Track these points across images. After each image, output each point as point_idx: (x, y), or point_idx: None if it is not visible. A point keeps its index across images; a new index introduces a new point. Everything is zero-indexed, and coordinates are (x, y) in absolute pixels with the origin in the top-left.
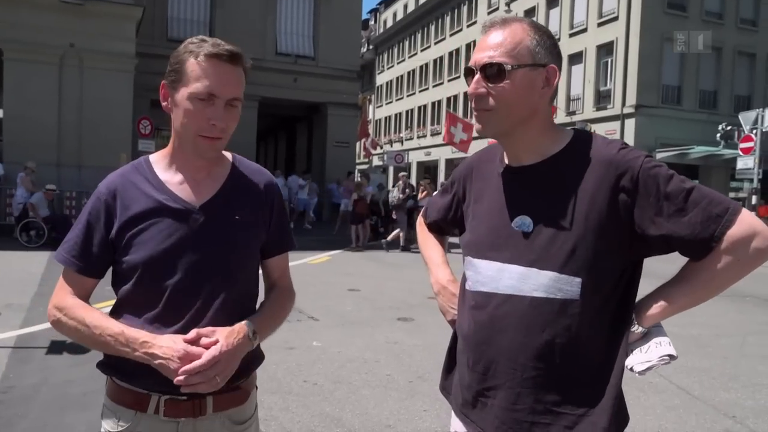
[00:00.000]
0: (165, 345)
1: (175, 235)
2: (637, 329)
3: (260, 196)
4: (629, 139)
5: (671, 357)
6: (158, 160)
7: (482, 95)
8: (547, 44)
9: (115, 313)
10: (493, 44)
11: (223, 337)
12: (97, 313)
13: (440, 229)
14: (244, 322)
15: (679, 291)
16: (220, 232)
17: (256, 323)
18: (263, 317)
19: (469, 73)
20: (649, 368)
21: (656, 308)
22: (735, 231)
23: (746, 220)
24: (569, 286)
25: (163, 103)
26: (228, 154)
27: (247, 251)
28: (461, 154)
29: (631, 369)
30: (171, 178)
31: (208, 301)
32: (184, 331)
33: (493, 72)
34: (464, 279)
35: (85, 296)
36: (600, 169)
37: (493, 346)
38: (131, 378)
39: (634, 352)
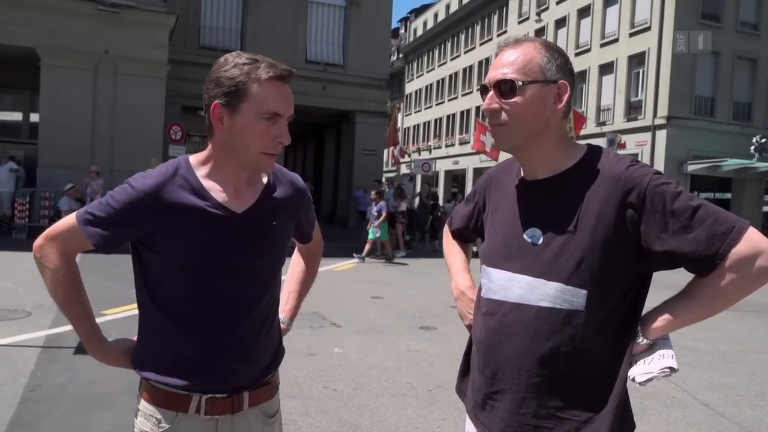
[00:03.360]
0: None
1: (216, 241)
2: (642, 341)
3: (294, 204)
4: (660, 150)
5: (672, 370)
6: (198, 165)
7: (496, 110)
8: (558, 62)
9: (154, 311)
10: (506, 62)
11: None
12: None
13: (463, 237)
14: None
15: (684, 306)
16: (260, 240)
17: (289, 313)
18: (297, 303)
19: (484, 90)
20: (649, 379)
21: (661, 321)
22: (740, 249)
23: (751, 239)
24: (575, 297)
25: (216, 122)
26: None
27: (281, 256)
28: (489, 163)
29: (633, 379)
30: (212, 185)
31: (246, 306)
32: (224, 332)
33: (506, 88)
34: (480, 286)
35: (77, 252)
36: (609, 184)
37: (501, 352)
38: (168, 373)
39: (638, 363)
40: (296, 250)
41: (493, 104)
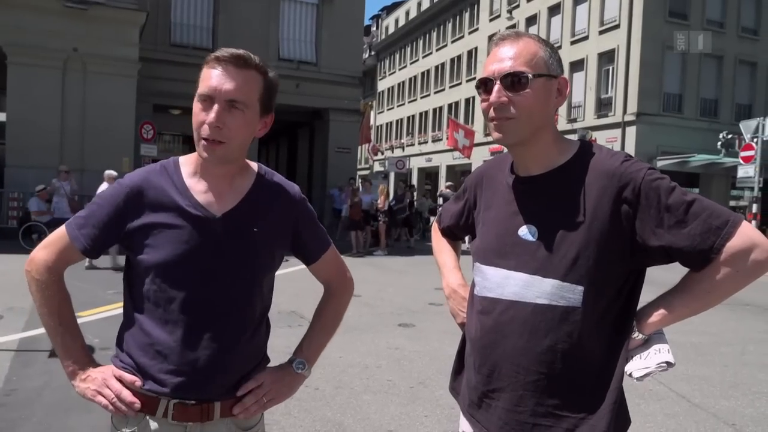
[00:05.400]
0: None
1: (191, 241)
2: (637, 336)
3: (282, 210)
4: (630, 146)
5: (669, 364)
6: (186, 165)
7: (504, 104)
8: (556, 57)
9: (131, 310)
10: (511, 55)
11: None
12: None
13: (453, 234)
14: (291, 363)
15: (680, 300)
16: (238, 244)
17: (304, 355)
18: (312, 342)
19: (483, 84)
20: (647, 374)
21: (656, 316)
22: (734, 243)
23: (746, 233)
24: (571, 293)
25: None
26: (254, 165)
27: (262, 264)
28: (462, 161)
29: (630, 375)
30: (195, 185)
31: (222, 309)
32: (196, 336)
33: (515, 81)
34: (473, 284)
35: (67, 266)
36: (603, 180)
37: (498, 350)
38: (138, 374)
39: (634, 358)
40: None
41: (502, 97)
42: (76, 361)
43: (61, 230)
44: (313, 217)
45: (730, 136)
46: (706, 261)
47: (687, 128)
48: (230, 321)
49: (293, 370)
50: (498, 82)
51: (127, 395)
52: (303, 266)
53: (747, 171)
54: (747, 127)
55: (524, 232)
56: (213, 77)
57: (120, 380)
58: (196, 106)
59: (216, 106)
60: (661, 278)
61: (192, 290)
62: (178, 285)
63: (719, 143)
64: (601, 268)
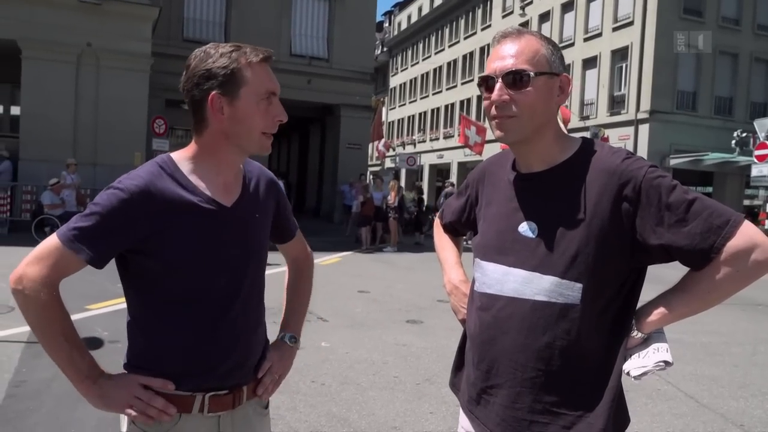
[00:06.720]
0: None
1: (212, 235)
2: (636, 335)
3: (268, 193)
4: (643, 144)
5: (667, 363)
6: (182, 161)
7: (506, 102)
8: (558, 54)
9: (146, 317)
10: (512, 53)
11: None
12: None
13: (455, 230)
14: (284, 338)
15: (679, 300)
16: (249, 231)
17: (292, 329)
18: (296, 316)
19: (484, 82)
20: (644, 373)
21: (656, 315)
22: (735, 243)
23: (747, 232)
24: (570, 291)
25: (216, 113)
26: None
27: (266, 250)
28: (474, 158)
29: (628, 373)
30: (200, 180)
31: (246, 298)
32: (225, 329)
33: (516, 79)
34: (473, 280)
35: (62, 279)
36: (604, 177)
37: (497, 346)
38: (171, 378)
39: (632, 356)
40: (286, 269)
41: (504, 95)
42: (89, 377)
43: (54, 242)
44: (286, 196)
45: (744, 134)
46: (707, 260)
47: (701, 126)
48: (251, 307)
49: (288, 344)
50: (499, 80)
51: (161, 402)
52: None
53: (761, 170)
54: (762, 125)
55: (524, 228)
56: (271, 76)
57: (148, 387)
58: (261, 104)
59: (278, 102)
60: (666, 277)
61: (217, 285)
62: (204, 282)
63: (733, 141)
64: (601, 265)
